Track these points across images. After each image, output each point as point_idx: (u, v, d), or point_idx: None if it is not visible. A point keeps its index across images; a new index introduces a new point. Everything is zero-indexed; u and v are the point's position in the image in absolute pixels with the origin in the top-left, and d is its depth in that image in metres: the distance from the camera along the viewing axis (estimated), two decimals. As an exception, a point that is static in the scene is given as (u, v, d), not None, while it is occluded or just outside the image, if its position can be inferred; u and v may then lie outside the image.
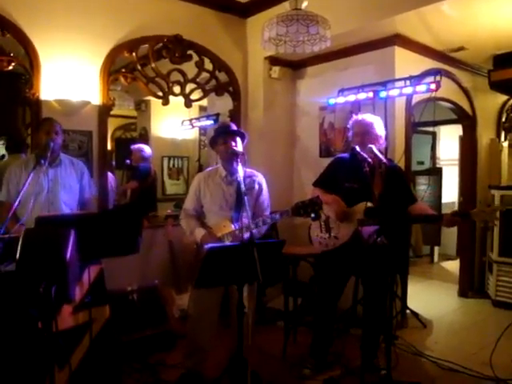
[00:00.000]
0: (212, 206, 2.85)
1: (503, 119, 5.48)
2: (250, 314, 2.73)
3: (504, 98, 5.50)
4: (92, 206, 3.13)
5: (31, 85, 3.36)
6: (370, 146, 2.81)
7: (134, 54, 3.84)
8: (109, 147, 8.62)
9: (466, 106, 4.86)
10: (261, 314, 4.10)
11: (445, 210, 6.29)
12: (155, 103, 6.29)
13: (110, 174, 4.88)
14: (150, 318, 3.53)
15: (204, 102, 6.17)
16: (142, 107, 7.32)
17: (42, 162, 2.66)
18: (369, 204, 2.77)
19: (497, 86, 4.38)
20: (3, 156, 4.57)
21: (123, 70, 3.83)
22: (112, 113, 7.54)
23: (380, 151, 2.86)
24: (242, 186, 2.52)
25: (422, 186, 5.86)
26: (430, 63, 4.17)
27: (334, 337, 3.26)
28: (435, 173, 6.07)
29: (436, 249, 6.87)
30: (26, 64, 3.36)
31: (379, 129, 2.97)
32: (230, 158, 2.76)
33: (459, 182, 5.01)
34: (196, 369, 2.85)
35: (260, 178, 2.96)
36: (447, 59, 4.37)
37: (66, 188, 2.88)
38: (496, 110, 5.49)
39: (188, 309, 2.95)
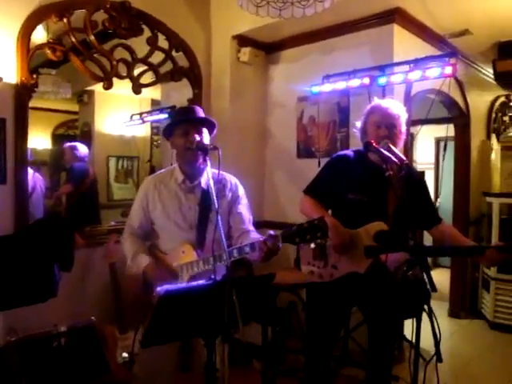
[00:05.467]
0: (165, 223, 2.06)
1: (493, 119, 4.97)
2: (225, 378, 1.95)
3: (492, 96, 5.01)
4: None
5: None
6: (386, 140, 2.10)
7: (65, 20, 2.95)
8: (48, 145, 7.62)
9: (460, 101, 4.28)
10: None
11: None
12: (100, 95, 5.39)
13: (37, 175, 3.99)
14: (85, 368, 2.63)
15: (157, 95, 5.33)
16: (84, 99, 6.27)
17: None
18: (382, 225, 2.03)
19: (503, 78, 3.78)
20: None
21: (50, 40, 2.92)
22: (52, 107, 6.54)
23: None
24: (213, 194, 1.75)
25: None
26: (428, 50, 3.50)
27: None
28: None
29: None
30: None
31: (404, 123, 2.25)
32: (194, 155, 1.99)
33: (453, 187, 4.49)
34: None
35: (234, 183, 2.20)
36: (445, 46, 3.71)
37: None
38: (486, 109, 4.97)
39: (135, 370, 2.12)
